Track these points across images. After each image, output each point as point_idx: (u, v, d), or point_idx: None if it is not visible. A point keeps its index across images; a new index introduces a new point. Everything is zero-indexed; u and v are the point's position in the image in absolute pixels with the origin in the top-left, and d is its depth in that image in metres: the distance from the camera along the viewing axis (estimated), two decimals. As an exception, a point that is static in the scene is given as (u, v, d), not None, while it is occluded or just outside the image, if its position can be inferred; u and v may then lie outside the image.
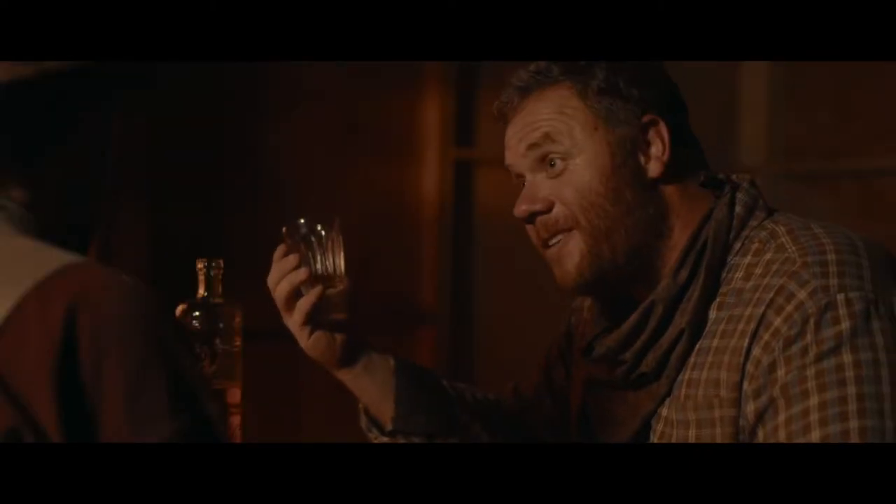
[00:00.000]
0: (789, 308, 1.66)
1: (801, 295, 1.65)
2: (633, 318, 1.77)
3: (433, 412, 1.88)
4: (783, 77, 3.94)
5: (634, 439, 1.79)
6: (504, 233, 4.38)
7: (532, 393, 2.04)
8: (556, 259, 1.80)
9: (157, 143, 3.89)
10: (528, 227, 1.83)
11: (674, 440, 1.75)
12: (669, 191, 1.79)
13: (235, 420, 1.87)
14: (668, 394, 1.76)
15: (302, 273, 1.78)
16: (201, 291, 1.87)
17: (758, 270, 1.72)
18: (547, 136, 1.78)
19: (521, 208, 1.82)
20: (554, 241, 1.80)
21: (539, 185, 1.81)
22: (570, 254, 1.78)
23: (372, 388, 1.87)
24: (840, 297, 1.64)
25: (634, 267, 1.78)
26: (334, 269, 1.81)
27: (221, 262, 1.89)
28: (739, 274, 1.74)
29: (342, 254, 1.81)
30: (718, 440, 1.70)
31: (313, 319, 1.81)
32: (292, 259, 1.79)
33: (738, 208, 1.77)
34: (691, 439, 1.73)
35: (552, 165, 1.79)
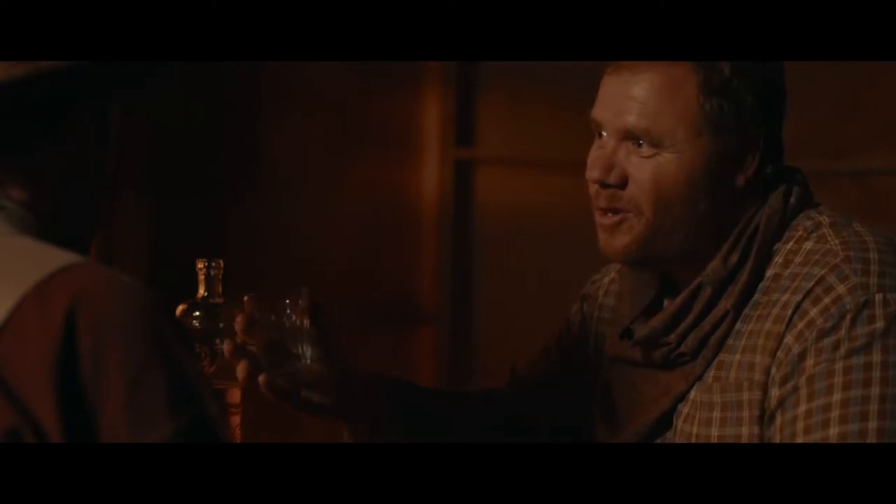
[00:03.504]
0: (827, 300, 1.66)
1: (841, 289, 1.66)
2: (680, 299, 1.76)
3: (433, 430, 1.88)
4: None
5: (660, 418, 1.78)
6: (504, 233, 4.38)
7: (534, 378, 2.01)
8: (608, 230, 1.76)
9: (157, 143, 3.89)
10: (590, 184, 1.76)
11: (696, 421, 1.74)
12: (743, 200, 1.76)
13: (235, 420, 1.87)
14: (702, 375, 1.75)
15: (272, 370, 1.70)
16: (201, 291, 1.87)
17: (797, 259, 1.72)
18: (646, 131, 1.71)
19: (594, 174, 1.74)
20: (612, 212, 1.75)
21: (619, 155, 1.74)
22: (623, 234, 1.75)
23: (363, 420, 1.84)
24: (879, 296, 1.65)
25: (683, 259, 1.76)
26: (302, 347, 1.73)
27: (221, 262, 1.89)
28: (779, 259, 1.74)
29: (309, 329, 1.73)
30: (745, 424, 1.70)
31: (286, 398, 1.75)
32: (263, 352, 1.71)
33: (792, 199, 1.77)
34: (715, 421, 1.72)
35: (639, 144, 1.73)
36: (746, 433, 1.70)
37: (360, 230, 4.26)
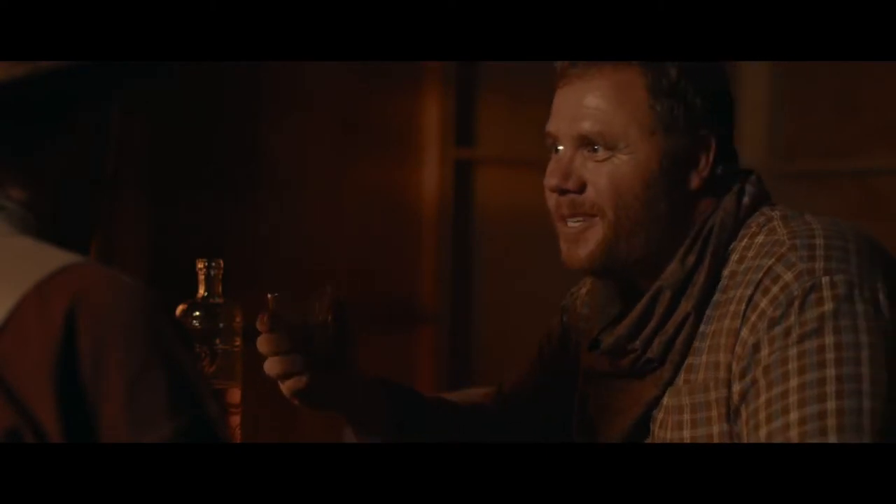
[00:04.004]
0: (775, 289, 1.67)
1: (788, 276, 1.67)
2: (641, 305, 1.78)
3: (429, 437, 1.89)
4: (783, 77, 3.94)
5: (635, 427, 1.79)
6: (504, 233, 4.38)
7: (518, 393, 2.03)
8: (571, 239, 1.78)
9: (157, 143, 3.89)
10: (549, 195, 1.80)
11: (669, 427, 1.76)
12: (699, 201, 1.78)
13: (235, 420, 1.87)
14: (672, 380, 1.76)
15: (293, 362, 1.75)
16: (201, 291, 1.87)
17: (750, 253, 1.74)
18: (600, 134, 1.75)
19: (553, 182, 1.78)
20: (574, 220, 1.78)
21: (575, 163, 1.77)
22: (586, 240, 1.77)
23: (369, 429, 1.87)
24: (825, 279, 1.66)
25: (643, 264, 1.78)
26: (325, 345, 1.77)
27: (221, 262, 1.89)
28: (735, 257, 1.75)
29: (332, 331, 1.77)
30: (714, 423, 1.71)
31: (301, 396, 1.78)
32: (285, 341, 1.75)
33: (745, 199, 1.79)
34: (686, 423, 1.74)
35: (595, 150, 1.76)
36: (717, 431, 1.71)
37: (360, 230, 4.26)
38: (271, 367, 1.76)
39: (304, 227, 4.16)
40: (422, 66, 4.32)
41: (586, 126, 1.76)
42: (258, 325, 1.76)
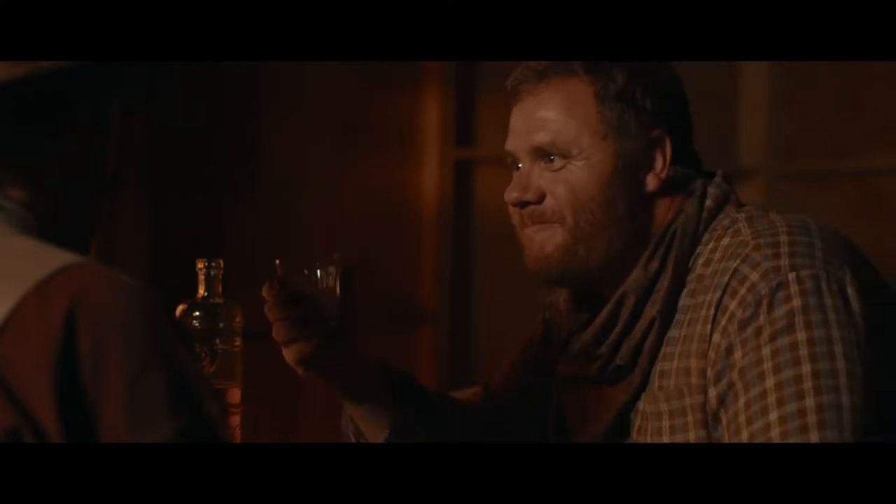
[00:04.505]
0: (742, 291, 1.68)
1: (754, 277, 1.67)
2: (606, 311, 1.79)
3: (424, 426, 1.89)
4: (783, 77, 3.94)
5: (608, 433, 1.80)
6: (504, 233, 4.37)
7: (503, 393, 2.03)
8: (531, 243, 1.82)
9: (157, 143, 3.89)
10: (512, 210, 1.83)
11: (648, 433, 1.76)
12: (659, 203, 1.79)
13: (235, 420, 1.87)
14: (643, 385, 1.77)
15: (304, 329, 1.75)
16: (201, 291, 1.87)
17: (716, 256, 1.74)
18: (553, 144, 1.78)
19: (513, 195, 1.81)
20: (535, 227, 1.81)
21: (533, 175, 1.81)
22: (545, 243, 1.80)
23: (366, 407, 1.87)
24: (791, 275, 1.66)
25: (605, 271, 1.79)
26: (332, 312, 1.77)
27: (221, 262, 1.89)
28: (701, 260, 1.76)
29: (337, 291, 1.77)
30: (690, 429, 1.72)
31: (307, 361, 1.79)
32: (292, 307, 1.75)
33: (708, 202, 1.79)
34: (665, 430, 1.74)
35: (551, 160, 1.79)
36: (693, 437, 1.71)
37: (361, 230, 4.26)
38: (278, 332, 1.76)
39: (304, 227, 4.16)
40: (422, 66, 4.32)
41: (539, 137, 1.79)
42: (264, 292, 1.76)
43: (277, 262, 1.77)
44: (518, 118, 1.83)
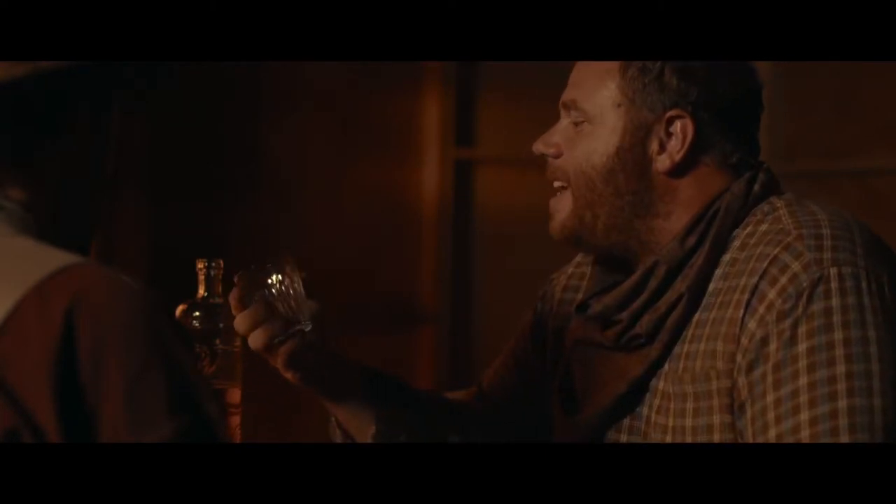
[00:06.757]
0: (783, 280, 1.66)
1: (796, 267, 1.66)
2: (635, 277, 1.77)
3: (412, 426, 1.88)
4: (783, 77, 3.94)
5: (615, 404, 1.78)
6: (504, 233, 4.38)
7: (495, 390, 2.02)
8: (552, 209, 1.82)
9: (157, 143, 3.89)
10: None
11: (671, 413, 1.74)
12: (675, 183, 1.78)
13: (235, 420, 1.87)
14: (660, 361, 1.75)
15: (276, 326, 1.75)
16: (201, 291, 1.87)
17: (752, 240, 1.72)
18: (574, 101, 1.79)
19: (537, 146, 1.83)
20: (556, 185, 1.82)
21: (560, 130, 1.81)
22: (561, 208, 1.81)
23: (349, 408, 1.87)
24: (833, 270, 1.65)
25: (614, 241, 1.79)
26: (299, 311, 1.76)
27: (221, 262, 1.89)
28: (737, 243, 1.74)
29: (302, 292, 1.76)
30: (715, 412, 1.70)
31: (295, 362, 1.79)
32: (260, 309, 1.75)
33: (756, 186, 1.78)
34: (689, 412, 1.72)
35: (576, 119, 1.80)
36: (718, 422, 1.70)
37: (360, 230, 4.26)
38: (255, 339, 1.75)
39: (304, 227, 4.16)
40: (422, 66, 4.32)
41: (569, 93, 1.81)
42: (231, 308, 1.76)
43: (235, 277, 1.77)
44: (572, 73, 1.84)
